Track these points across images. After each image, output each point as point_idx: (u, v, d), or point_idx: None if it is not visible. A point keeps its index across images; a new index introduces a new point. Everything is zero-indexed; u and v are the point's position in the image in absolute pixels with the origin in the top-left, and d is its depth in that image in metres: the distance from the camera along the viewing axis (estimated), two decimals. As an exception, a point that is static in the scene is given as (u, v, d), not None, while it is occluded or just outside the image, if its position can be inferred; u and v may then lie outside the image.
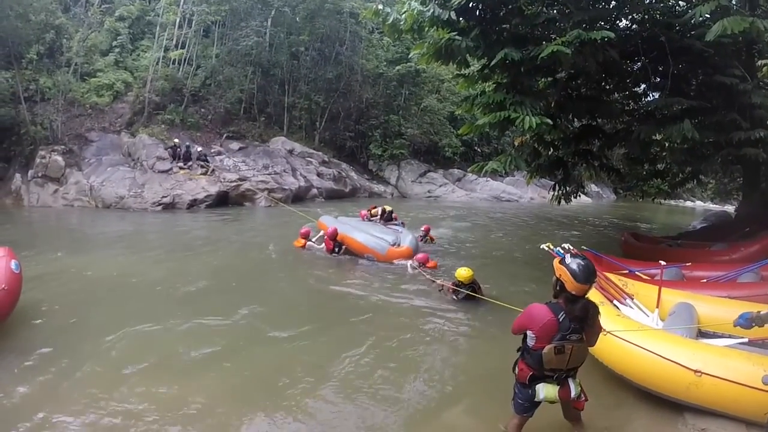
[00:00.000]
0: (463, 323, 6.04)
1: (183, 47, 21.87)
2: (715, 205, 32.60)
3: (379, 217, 11.40)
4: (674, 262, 6.97)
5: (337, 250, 9.37)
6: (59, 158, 16.86)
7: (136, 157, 18.10)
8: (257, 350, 5.10)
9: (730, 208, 24.18)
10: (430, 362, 4.86)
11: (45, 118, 17.31)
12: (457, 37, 7.84)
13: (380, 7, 8.38)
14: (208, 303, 6.41)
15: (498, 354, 4.39)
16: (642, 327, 4.46)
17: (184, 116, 21.08)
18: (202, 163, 18.44)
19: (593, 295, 5.02)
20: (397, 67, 26.66)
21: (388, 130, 26.96)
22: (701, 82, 9.86)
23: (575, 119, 11.57)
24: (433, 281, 7.43)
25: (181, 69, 21.84)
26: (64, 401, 3.85)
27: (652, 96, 10.95)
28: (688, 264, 6.73)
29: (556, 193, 11.95)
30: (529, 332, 3.04)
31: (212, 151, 20.13)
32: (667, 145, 10.90)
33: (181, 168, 17.86)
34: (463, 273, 6.61)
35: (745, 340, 4.29)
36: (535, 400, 3.10)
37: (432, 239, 11.26)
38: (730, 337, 4.49)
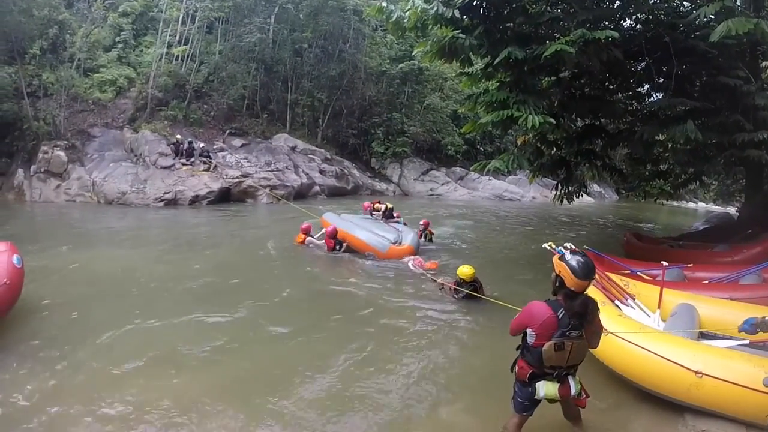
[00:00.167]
0: (463, 322, 6.05)
1: (186, 43, 21.85)
2: (717, 207, 32.51)
3: (381, 213, 11.39)
4: (676, 262, 6.95)
5: (338, 248, 9.37)
6: (62, 154, 16.88)
7: (139, 153, 18.11)
8: (257, 347, 5.12)
9: (732, 210, 24.12)
10: (429, 361, 4.87)
11: (48, 114, 17.32)
12: (460, 35, 7.82)
13: (384, 4, 8.34)
14: (208, 299, 6.42)
15: (498, 353, 4.39)
16: (643, 328, 4.45)
17: (187, 112, 21.08)
18: (204, 159, 18.46)
19: (595, 294, 5.02)
20: (401, 65, 26.62)
21: (390, 127, 26.92)
22: (705, 83, 9.83)
23: (578, 119, 11.55)
24: (434, 280, 7.43)
25: (184, 65, 21.82)
26: (63, 397, 3.87)
27: (656, 96, 10.93)
28: (689, 265, 6.71)
29: (558, 193, 11.93)
30: (528, 330, 3.04)
31: (215, 147, 20.13)
32: (670, 145, 10.87)
33: (183, 164, 17.88)
34: (465, 271, 6.61)
35: (747, 341, 4.28)
36: (535, 397, 3.10)
37: (431, 234, 11.22)
38: (731, 338, 4.48)
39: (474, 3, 8.04)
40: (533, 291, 7.16)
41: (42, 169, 16.50)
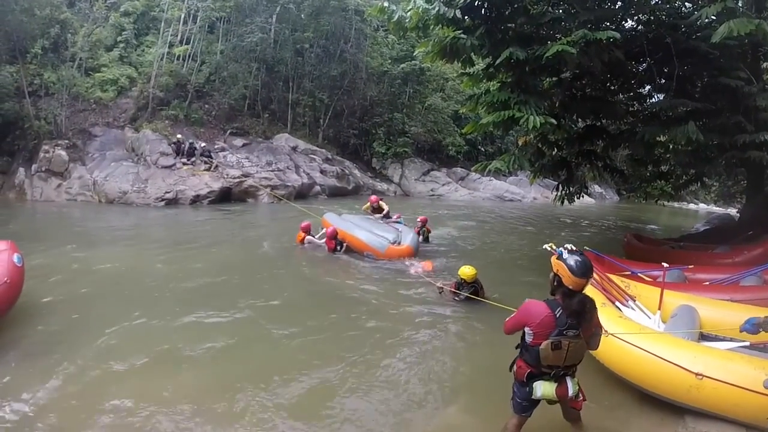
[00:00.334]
0: (462, 323, 6.03)
1: (188, 43, 21.88)
2: (718, 208, 32.44)
3: (381, 214, 11.28)
4: (677, 264, 6.93)
5: (338, 248, 9.37)
6: (63, 153, 16.92)
7: (140, 152, 18.14)
8: (256, 347, 5.12)
9: (733, 211, 24.10)
10: (428, 362, 4.86)
11: (49, 113, 17.36)
12: (462, 35, 7.81)
13: (385, 4, 8.33)
14: (208, 299, 6.42)
15: (497, 354, 4.37)
16: (643, 329, 4.44)
17: (188, 112, 21.10)
18: (205, 159, 18.48)
19: (595, 295, 5.01)
20: (402, 65, 26.61)
21: (391, 128, 26.92)
22: (706, 84, 9.81)
23: (579, 119, 11.52)
24: (433, 283, 7.38)
25: (185, 65, 21.84)
26: (61, 396, 3.88)
27: (657, 97, 10.91)
28: (690, 266, 6.68)
29: (559, 194, 11.91)
30: (526, 328, 3.04)
31: (216, 147, 20.17)
32: (671, 146, 10.83)
33: (184, 164, 17.90)
34: (466, 271, 6.59)
35: (747, 343, 4.27)
36: (533, 397, 3.10)
37: (428, 231, 11.17)
38: (732, 340, 4.47)
39: (475, 3, 8.02)
40: (534, 293, 7.13)
41: (43, 168, 16.54)
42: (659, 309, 5.20)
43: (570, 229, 17.01)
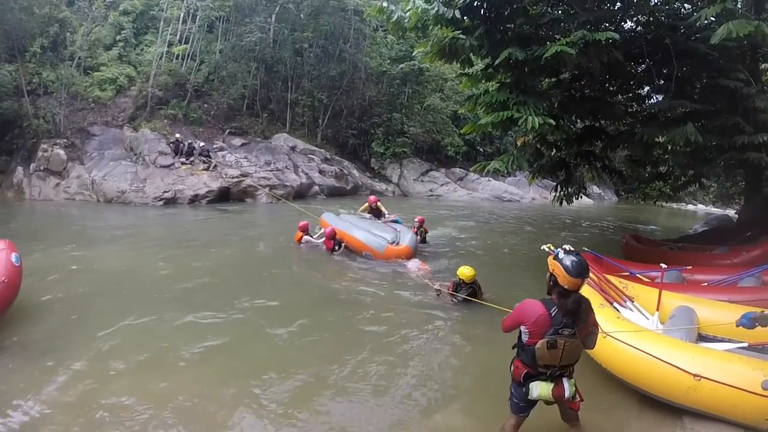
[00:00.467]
0: (460, 324, 6.03)
1: (187, 42, 21.88)
2: (716, 209, 32.47)
3: (379, 218, 11.19)
4: (675, 265, 6.93)
5: (337, 248, 9.37)
6: (61, 152, 16.90)
7: (138, 151, 18.12)
8: (253, 348, 5.11)
9: (731, 212, 24.12)
10: (426, 363, 4.86)
11: (48, 112, 17.35)
12: (461, 35, 7.81)
13: (384, 4, 8.33)
14: (206, 299, 6.42)
15: (494, 355, 4.38)
16: (642, 330, 4.44)
17: (187, 111, 21.09)
18: (204, 158, 18.46)
19: (593, 296, 5.01)
20: (401, 66, 26.61)
21: (390, 128, 26.93)
22: (705, 85, 9.82)
23: (578, 120, 11.53)
24: (431, 284, 7.35)
25: (184, 64, 21.84)
26: (56, 396, 3.87)
27: (656, 98, 10.91)
28: (689, 267, 6.69)
29: (557, 194, 11.91)
30: (522, 327, 3.06)
31: (214, 146, 20.15)
32: (669, 147, 10.84)
33: (183, 163, 17.88)
34: (465, 272, 6.58)
35: (745, 344, 4.28)
36: (529, 397, 3.10)
37: (426, 231, 11.14)
38: (729, 341, 4.48)
39: (475, 4, 8.02)
40: (531, 293, 7.15)
41: (41, 168, 16.52)
42: (657, 310, 5.20)
43: (568, 229, 17.01)
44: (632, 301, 5.48)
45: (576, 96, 10.69)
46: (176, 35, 21.71)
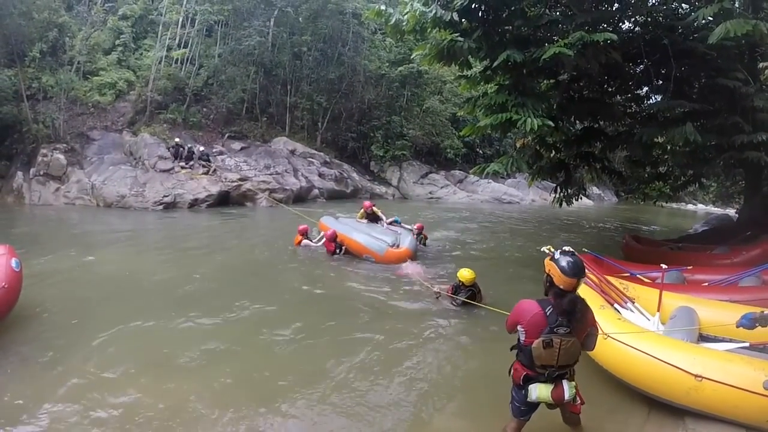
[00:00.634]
0: (460, 327, 6.01)
1: (186, 46, 21.92)
2: (716, 209, 32.47)
3: (367, 219, 11.09)
4: (675, 265, 6.93)
5: (338, 251, 9.37)
6: (61, 156, 16.90)
7: (138, 156, 18.12)
8: (252, 352, 5.10)
9: (731, 212, 24.12)
10: (426, 366, 4.84)
11: (47, 117, 17.35)
12: (459, 38, 7.83)
13: (383, 7, 8.35)
14: (206, 303, 6.40)
15: (494, 358, 4.36)
16: (642, 331, 4.43)
17: (186, 115, 21.12)
18: (203, 162, 18.46)
19: (594, 298, 5.01)
20: (400, 68, 26.63)
21: (390, 131, 26.94)
22: (704, 84, 9.83)
23: (577, 121, 11.55)
24: (430, 287, 7.31)
25: (183, 68, 21.87)
26: (56, 401, 3.86)
27: (655, 98, 10.92)
28: (689, 267, 6.69)
29: (557, 195, 11.91)
30: (519, 327, 3.07)
31: (214, 150, 20.16)
32: (669, 147, 10.84)
33: (182, 167, 17.88)
34: (465, 274, 6.56)
35: (746, 344, 4.26)
36: (529, 400, 3.10)
37: (425, 238, 11.13)
38: (731, 341, 4.47)
39: (473, 6, 8.03)
40: (533, 296, 7.15)
41: (41, 172, 16.51)
42: (658, 310, 5.19)
43: (568, 230, 17.00)
44: (633, 302, 5.46)
45: (575, 97, 10.71)
46: (175, 39, 21.74)
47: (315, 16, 24.16)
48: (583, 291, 4.68)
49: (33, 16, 17.09)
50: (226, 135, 21.99)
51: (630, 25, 9.93)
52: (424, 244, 10.93)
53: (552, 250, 3.18)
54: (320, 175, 22.26)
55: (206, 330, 5.50)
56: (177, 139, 18.87)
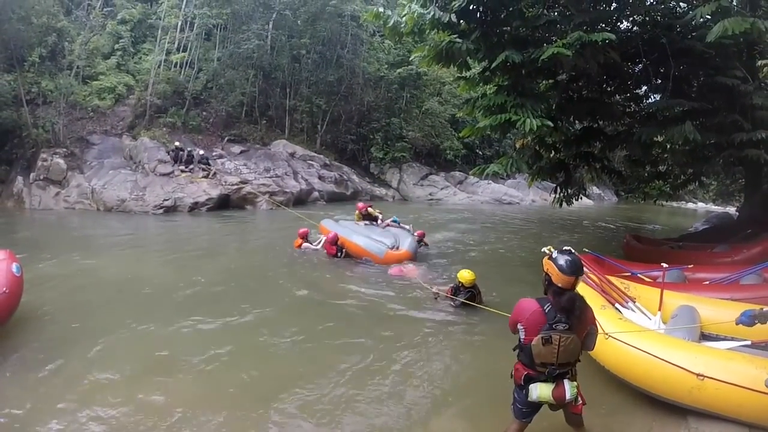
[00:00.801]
0: (460, 329, 6.01)
1: (185, 50, 21.94)
2: (717, 207, 32.48)
3: (375, 222, 11.09)
4: (676, 264, 6.92)
5: (339, 254, 9.37)
6: (61, 161, 16.92)
7: (138, 160, 18.14)
8: (252, 355, 5.09)
9: (732, 210, 24.12)
10: (425, 368, 4.83)
11: (47, 121, 17.38)
12: (457, 39, 7.84)
13: (381, 10, 8.36)
14: (207, 307, 6.39)
15: (495, 359, 4.37)
16: (644, 330, 4.43)
17: (186, 119, 21.13)
18: (203, 166, 18.47)
19: (595, 298, 5.00)
20: (399, 70, 26.68)
21: (389, 133, 26.96)
22: (702, 83, 9.83)
23: (576, 121, 11.55)
24: (429, 288, 7.29)
25: (182, 72, 21.89)
26: (56, 406, 3.84)
27: (654, 98, 10.92)
28: (690, 266, 6.67)
29: (557, 196, 11.91)
30: (519, 326, 3.07)
31: (213, 154, 20.17)
32: (668, 146, 10.85)
33: (182, 171, 17.89)
34: (465, 275, 6.55)
35: (748, 342, 4.26)
36: (529, 399, 3.08)
37: (426, 245, 11.06)
38: (732, 339, 4.46)
39: (471, 7, 8.03)
40: (531, 295, 7.14)
41: (41, 177, 16.53)
42: (659, 310, 5.17)
43: (569, 230, 17.00)
44: (634, 302, 5.45)
45: (574, 97, 10.71)
46: (174, 43, 21.77)
47: (313, 18, 24.19)
48: (584, 291, 4.67)
49: (32, 21, 17.13)
50: (226, 138, 22.01)
51: (628, 24, 9.94)
52: (425, 245, 10.96)
53: (552, 250, 3.17)
54: (320, 177, 22.28)
55: (207, 333, 5.49)
56: (177, 143, 18.89)
